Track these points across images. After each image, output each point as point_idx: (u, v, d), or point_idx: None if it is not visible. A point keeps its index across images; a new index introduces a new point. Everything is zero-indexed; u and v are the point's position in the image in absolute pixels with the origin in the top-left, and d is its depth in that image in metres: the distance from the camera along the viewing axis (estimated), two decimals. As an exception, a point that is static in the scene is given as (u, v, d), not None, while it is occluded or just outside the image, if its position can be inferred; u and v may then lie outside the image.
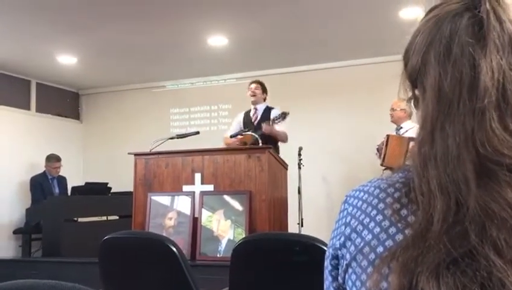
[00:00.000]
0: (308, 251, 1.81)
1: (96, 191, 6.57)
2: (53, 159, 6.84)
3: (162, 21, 5.23)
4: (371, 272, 0.65)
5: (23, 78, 7.36)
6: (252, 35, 5.71)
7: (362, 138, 6.15)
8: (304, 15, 5.12)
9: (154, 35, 5.64)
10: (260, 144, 4.38)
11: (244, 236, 3.62)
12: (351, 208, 0.73)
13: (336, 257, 0.73)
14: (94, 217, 6.07)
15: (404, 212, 0.66)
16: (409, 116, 4.85)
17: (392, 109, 4.96)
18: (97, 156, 7.97)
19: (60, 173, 6.95)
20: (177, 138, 4.71)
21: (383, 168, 4.40)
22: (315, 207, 6.17)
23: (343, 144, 6.51)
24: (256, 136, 4.55)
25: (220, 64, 6.78)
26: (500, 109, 0.60)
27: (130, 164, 4.43)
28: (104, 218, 6.20)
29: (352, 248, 0.69)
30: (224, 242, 3.90)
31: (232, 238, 3.84)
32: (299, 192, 5.68)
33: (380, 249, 0.65)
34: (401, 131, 4.85)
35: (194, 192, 4.11)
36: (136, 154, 4.41)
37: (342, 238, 0.72)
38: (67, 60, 6.54)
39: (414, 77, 0.69)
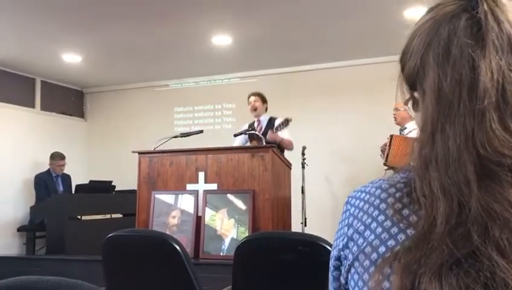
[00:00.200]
0: (312, 250, 1.81)
1: (100, 189, 6.58)
2: (57, 157, 6.87)
3: (166, 20, 5.24)
4: (373, 272, 0.65)
5: (27, 76, 7.37)
6: (254, 35, 5.70)
7: (365, 138, 6.14)
8: (313, 14, 5.11)
9: (159, 34, 5.65)
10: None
11: (247, 235, 3.62)
12: (353, 209, 0.73)
13: (338, 258, 0.74)
14: (98, 215, 6.09)
15: (405, 212, 0.66)
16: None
17: (396, 109, 4.88)
18: (101, 154, 7.98)
19: (64, 171, 6.98)
20: (181, 136, 4.73)
21: (386, 167, 4.39)
22: (318, 206, 6.17)
23: (345, 144, 6.51)
24: (263, 138, 4.59)
25: (224, 63, 6.78)
26: (500, 109, 0.60)
27: (134, 162, 4.43)
28: (108, 216, 6.21)
29: (355, 248, 0.69)
30: (227, 241, 3.91)
31: (235, 237, 3.85)
32: (303, 191, 5.68)
33: (382, 249, 0.65)
34: (405, 131, 4.79)
35: (197, 191, 4.11)
36: (140, 153, 4.41)
37: (345, 239, 0.72)
38: (72, 58, 6.56)
39: (412, 79, 0.69)
